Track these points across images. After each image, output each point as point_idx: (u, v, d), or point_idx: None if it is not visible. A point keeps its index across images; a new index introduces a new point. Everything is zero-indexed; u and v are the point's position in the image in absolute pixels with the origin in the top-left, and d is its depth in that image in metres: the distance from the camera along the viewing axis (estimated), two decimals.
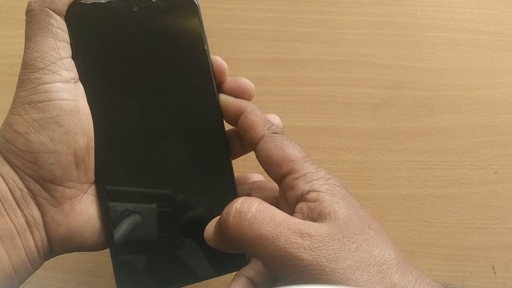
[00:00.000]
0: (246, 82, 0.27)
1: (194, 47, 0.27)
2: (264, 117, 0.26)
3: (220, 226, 0.22)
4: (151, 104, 0.26)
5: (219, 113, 0.27)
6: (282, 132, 0.26)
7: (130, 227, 0.25)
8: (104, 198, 0.25)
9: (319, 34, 0.39)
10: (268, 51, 0.39)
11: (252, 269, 0.25)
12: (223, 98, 0.27)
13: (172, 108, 0.26)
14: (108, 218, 0.24)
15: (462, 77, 0.39)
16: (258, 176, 0.31)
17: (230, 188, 0.27)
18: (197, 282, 0.26)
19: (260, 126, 0.25)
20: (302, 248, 0.20)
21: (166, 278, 0.25)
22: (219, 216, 0.23)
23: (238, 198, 0.22)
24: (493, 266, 0.34)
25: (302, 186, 0.23)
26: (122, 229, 0.25)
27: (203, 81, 0.27)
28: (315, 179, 0.23)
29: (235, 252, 0.23)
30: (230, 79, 0.27)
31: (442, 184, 0.36)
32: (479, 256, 0.34)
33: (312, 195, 0.23)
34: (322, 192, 0.22)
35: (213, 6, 0.40)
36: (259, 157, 0.25)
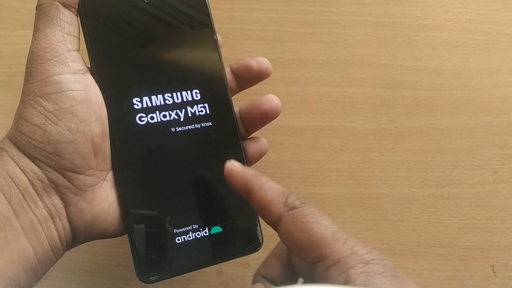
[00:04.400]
0: (257, 61, 0.28)
1: (204, 38, 0.28)
2: (276, 188, 0.22)
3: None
4: (164, 91, 0.27)
5: (229, 101, 0.28)
6: (302, 202, 0.21)
7: (147, 213, 0.25)
8: (120, 184, 0.25)
9: (319, 34, 0.39)
10: (268, 51, 0.39)
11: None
12: (227, 169, 0.23)
13: (184, 95, 0.27)
14: (125, 204, 0.25)
15: (462, 77, 0.39)
16: None
17: None
18: (212, 266, 0.26)
19: (274, 205, 0.21)
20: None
21: (184, 262, 0.26)
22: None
23: None
24: (493, 266, 0.34)
25: (337, 278, 0.19)
26: (139, 215, 0.25)
27: (213, 70, 0.28)
28: (351, 267, 0.19)
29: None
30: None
31: (442, 184, 0.36)
32: (479, 256, 0.34)
33: None
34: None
35: (213, 6, 0.39)
36: (283, 242, 0.22)
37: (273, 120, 0.37)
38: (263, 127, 0.29)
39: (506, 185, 0.36)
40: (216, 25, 0.33)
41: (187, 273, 0.26)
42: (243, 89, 0.30)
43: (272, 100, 0.28)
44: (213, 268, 0.34)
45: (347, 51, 0.39)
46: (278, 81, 0.38)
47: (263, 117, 0.28)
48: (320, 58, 0.39)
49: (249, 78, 0.29)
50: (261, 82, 0.39)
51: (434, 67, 0.39)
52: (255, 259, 0.35)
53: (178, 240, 0.26)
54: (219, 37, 0.29)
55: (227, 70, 0.29)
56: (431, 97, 0.38)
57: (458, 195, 0.36)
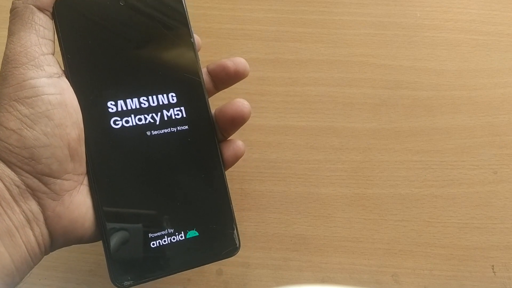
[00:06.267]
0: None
1: (181, 40, 0.28)
2: None
3: None
4: (140, 95, 0.26)
5: (206, 104, 0.28)
6: None
7: (121, 217, 0.25)
8: (95, 189, 0.25)
9: (319, 34, 0.39)
10: (268, 51, 0.39)
11: None
12: None
13: (160, 99, 0.27)
14: (99, 208, 0.25)
15: (461, 77, 0.39)
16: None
17: (220, 175, 0.28)
18: (188, 270, 0.26)
19: None
20: None
21: (159, 266, 0.25)
22: None
23: None
24: (493, 266, 0.34)
25: None
26: (113, 219, 0.25)
27: (190, 72, 0.28)
28: None
29: None
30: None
31: (442, 184, 0.36)
32: (479, 256, 0.34)
33: None
34: None
35: (213, 6, 0.40)
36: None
37: (273, 120, 0.37)
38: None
39: (506, 185, 0.36)
40: (216, 25, 0.33)
41: (185, 273, 0.26)
42: (220, 90, 0.30)
43: (238, 105, 0.28)
44: (213, 268, 0.34)
45: (347, 51, 0.39)
46: (278, 81, 0.38)
47: (230, 123, 0.28)
48: (320, 58, 0.39)
49: (226, 79, 0.29)
50: (260, 83, 0.39)
51: (434, 67, 0.39)
52: (256, 259, 0.35)
53: (153, 244, 0.25)
54: (198, 39, 0.29)
55: (204, 71, 0.29)
56: (431, 97, 0.38)
57: (458, 195, 0.36)
